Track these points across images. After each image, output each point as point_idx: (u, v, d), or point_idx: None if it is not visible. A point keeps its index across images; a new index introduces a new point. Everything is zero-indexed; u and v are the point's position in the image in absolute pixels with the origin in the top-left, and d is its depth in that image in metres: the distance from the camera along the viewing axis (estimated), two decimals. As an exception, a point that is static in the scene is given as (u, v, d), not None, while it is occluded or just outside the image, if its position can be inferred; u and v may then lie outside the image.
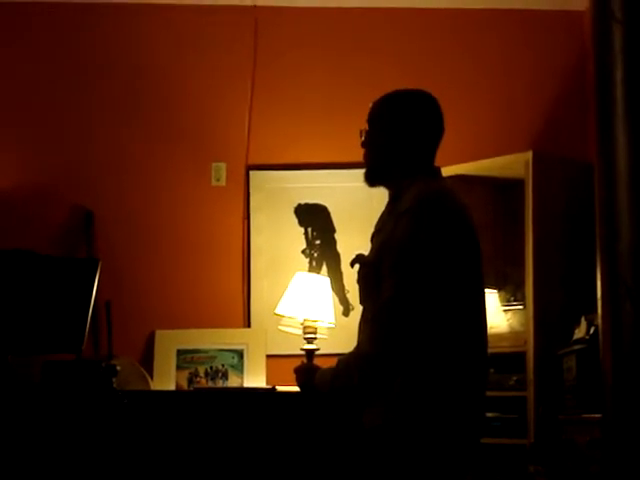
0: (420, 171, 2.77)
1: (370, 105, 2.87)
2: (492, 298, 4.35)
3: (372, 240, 2.86)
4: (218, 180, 4.69)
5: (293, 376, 3.20)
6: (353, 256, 2.84)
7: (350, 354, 2.72)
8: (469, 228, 2.69)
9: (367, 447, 2.63)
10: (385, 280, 2.62)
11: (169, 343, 4.47)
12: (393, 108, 2.80)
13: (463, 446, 2.61)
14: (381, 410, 2.61)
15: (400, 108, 2.79)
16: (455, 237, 2.62)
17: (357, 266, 2.81)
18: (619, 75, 2.98)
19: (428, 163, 2.80)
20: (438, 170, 2.84)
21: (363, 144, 2.87)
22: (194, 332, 4.49)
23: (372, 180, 2.88)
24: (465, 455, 2.62)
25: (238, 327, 4.55)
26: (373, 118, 2.84)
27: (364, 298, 2.79)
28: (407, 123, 2.76)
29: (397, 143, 2.77)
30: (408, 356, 2.57)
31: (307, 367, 3.13)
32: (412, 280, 2.57)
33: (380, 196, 4.63)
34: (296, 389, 3.15)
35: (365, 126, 2.87)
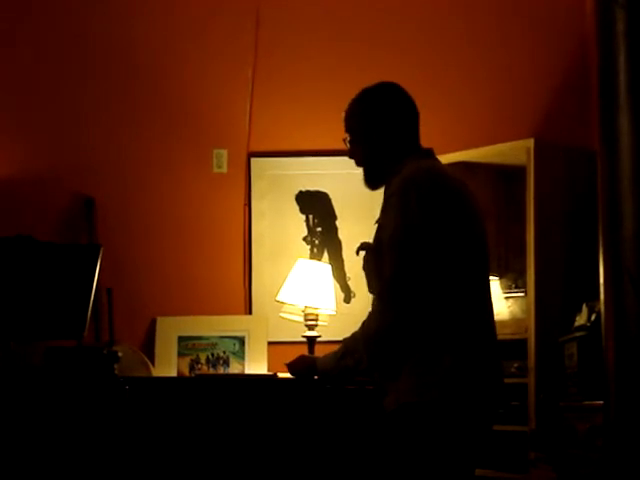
0: (409, 154, 2.80)
1: (343, 115, 2.92)
2: (494, 285, 4.35)
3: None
4: (219, 167, 4.68)
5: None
6: (357, 244, 2.86)
7: (356, 333, 2.74)
8: (461, 200, 2.71)
9: (387, 430, 2.66)
10: (384, 260, 2.65)
11: (170, 330, 4.47)
12: (364, 106, 2.86)
13: (476, 428, 2.64)
14: (394, 395, 2.64)
15: (370, 103, 2.86)
16: (445, 210, 2.64)
17: (362, 254, 2.83)
18: (622, 60, 2.97)
19: (414, 145, 2.84)
20: (428, 150, 2.86)
21: (350, 153, 2.91)
22: (195, 319, 4.49)
23: (373, 184, 2.93)
24: (479, 437, 2.65)
25: (239, 314, 4.56)
26: (349, 124, 2.90)
27: (370, 284, 2.82)
28: (381, 114, 2.82)
29: (379, 137, 2.82)
30: (414, 332, 2.60)
31: (301, 357, 3.13)
32: (409, 255, 2.60)
33: (381, 183, 4.64)
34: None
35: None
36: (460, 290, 2.64)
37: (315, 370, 2.89)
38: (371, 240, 2.83)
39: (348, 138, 2.90)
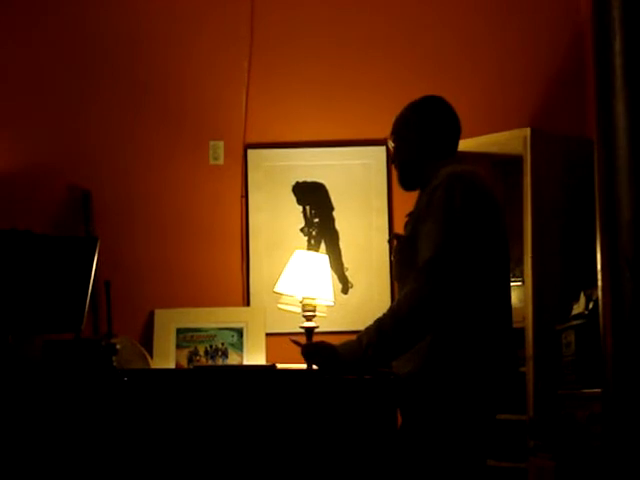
0: (445, 162, 2.94)
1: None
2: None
3: (406, 225, 2.96)
4: (216, 159, 4.68)
5: (292, 354, 3.20)
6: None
7: (380, 318, 2.76)
8: (493, 200, 2.86)
9: (401, 393, 2.77)
10: (423, 244, 2.74)
11: (169, 322, 4.48)
12: (412, 116, 3.00)
13: (492, 395, 2.78)
14: (415, 359, 2.73)
15: (419, 114, 3.00)
16: (483, 206, 2.79)
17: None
18: (618, 47, 2.97)
19: (451, 154, 2.99)
20: (461, 158, 3.02)
21: (393, 154, 3.04)
22: (193, 311, 4.50)
23: (407, 185, 3.02)
24: (493, 406, 2.80)
25: (237, 306, 4.56)
26: (396, 129, 3.03)
27: (400, 273, 2.89)
28: (426, 126, 2.97)
29: (421, 145, 2.96)
30: (445, 313, 2.69)
31: (320, 345, 3.05)
32: (451, 241, 2.69)
33: (378, 174, 4.64)
34: (296, 366, 3.15)
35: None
36: (489, 272, 2.76)
37: (337, 362, 2.84)
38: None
39: (392, 143, 3.03)
